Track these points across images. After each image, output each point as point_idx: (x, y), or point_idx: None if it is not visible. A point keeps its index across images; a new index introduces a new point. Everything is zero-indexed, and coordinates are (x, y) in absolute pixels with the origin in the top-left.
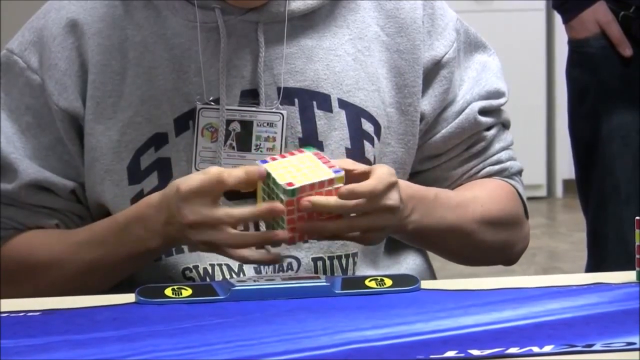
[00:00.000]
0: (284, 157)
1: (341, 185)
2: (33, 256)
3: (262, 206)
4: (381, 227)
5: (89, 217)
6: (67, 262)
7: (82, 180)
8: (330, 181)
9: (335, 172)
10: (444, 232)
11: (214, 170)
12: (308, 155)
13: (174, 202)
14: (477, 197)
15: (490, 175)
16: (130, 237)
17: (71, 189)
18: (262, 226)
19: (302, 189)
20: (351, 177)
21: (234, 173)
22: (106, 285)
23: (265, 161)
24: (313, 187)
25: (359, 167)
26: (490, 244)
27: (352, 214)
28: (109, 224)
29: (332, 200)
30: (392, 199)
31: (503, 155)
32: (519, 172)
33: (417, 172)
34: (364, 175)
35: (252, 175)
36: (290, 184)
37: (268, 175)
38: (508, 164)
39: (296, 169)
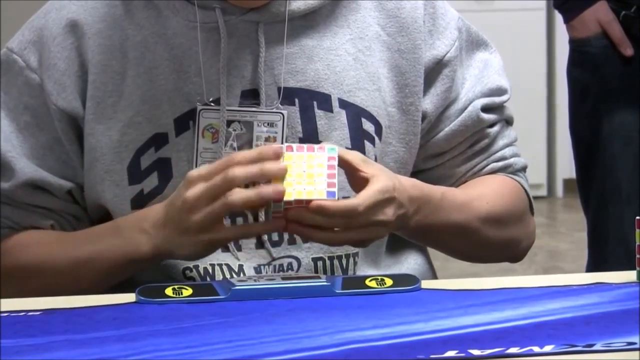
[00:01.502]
0: (301, 149)
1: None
2: (30, 254)
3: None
4: (371, 239)
5: (85, 218)
6: (60, 258)
7: (79, 180)
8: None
9: (330, 195)
10: (448, 231)
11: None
12: (321, 158)
13: (181, 190)
14: (482, 195)
15: (494, 171)
16: (123, 238)
17: (67, 189)
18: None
19: (289, 202)
20: (355, 177)
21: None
22: (100, 287)
23: (293, 148)
24: (300, 203)
25: (366, 170)
26: (495, 241)
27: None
28: (107, 224)
29: (318, 217)
30: (385, 214)
31: (507, 151)
32: (524, 169)
33: (420, 170)
34: (364, 182)
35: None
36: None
37: None
38: (512, 160)
39: (297, 173)
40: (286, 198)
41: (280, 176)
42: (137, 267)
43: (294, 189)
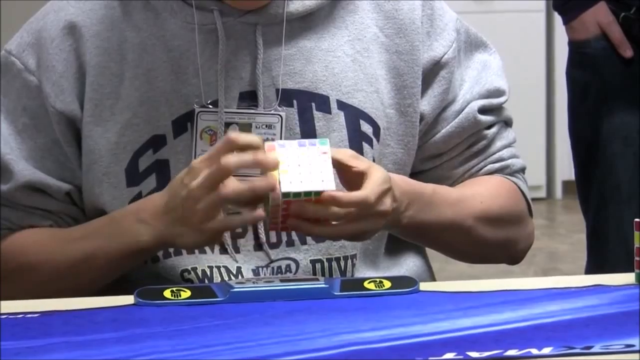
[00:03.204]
0: (291, 145)
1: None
2: (27, 254)
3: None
4: (369, 231)
5: (84, 220)
6: (59, 257)
7: (78, 182)
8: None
9: (328, 185)
10: (441, 228)
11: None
12: (313, 151)
13: (185, 179)
14: (476, 194)
15: (491, 172)
16: (121, 230)
17: (66, 191)
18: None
19: (286, 195)
20: (348, 174)
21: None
22: (99, 283)
23: (282, 144)
24: (298, 196)
25: (359, 165)
26: (490, 241)
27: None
28: (103, 219)
29: (320, 209)
30: (384, 204)
31: (505, 153)
32: (522, 170)
33: (418, 171)
34: (360, 176)
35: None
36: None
37: None
38: (510, 161)
39: (294, 167)
40: (284, 190)
41: (273, 167)
42: (137, 258)
43: (290, 183)
